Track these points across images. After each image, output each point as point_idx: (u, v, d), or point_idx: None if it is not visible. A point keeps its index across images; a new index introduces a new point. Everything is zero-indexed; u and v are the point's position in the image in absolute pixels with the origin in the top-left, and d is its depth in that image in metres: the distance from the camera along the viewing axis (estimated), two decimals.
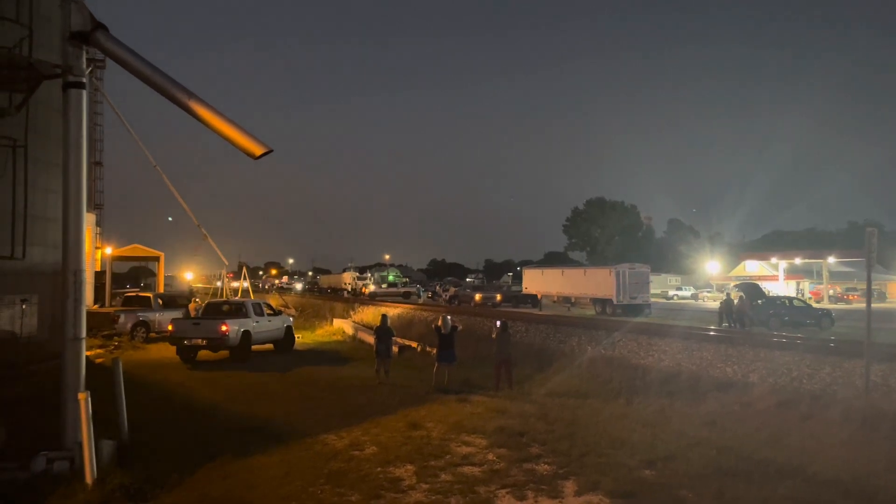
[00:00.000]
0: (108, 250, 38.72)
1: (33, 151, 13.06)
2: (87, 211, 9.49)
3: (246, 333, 20.42)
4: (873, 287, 15.28)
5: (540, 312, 39.23)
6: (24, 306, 12.89)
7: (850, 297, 59.44)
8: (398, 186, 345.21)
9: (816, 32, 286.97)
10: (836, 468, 8.71)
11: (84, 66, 8.99)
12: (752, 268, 72.73)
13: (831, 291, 60.73)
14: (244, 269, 43.79)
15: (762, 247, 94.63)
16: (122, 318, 25.35)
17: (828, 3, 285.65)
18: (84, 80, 8.96)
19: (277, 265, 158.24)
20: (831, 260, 61.35)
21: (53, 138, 12.52)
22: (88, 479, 7.64)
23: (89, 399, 7.95)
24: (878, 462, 8.98)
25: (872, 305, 13.89)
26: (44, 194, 13.53)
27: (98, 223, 34.89)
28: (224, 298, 34.09)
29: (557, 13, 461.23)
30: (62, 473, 8.01)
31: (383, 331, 16.84)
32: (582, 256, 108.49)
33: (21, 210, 12.80)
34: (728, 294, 33.36)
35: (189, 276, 38.88)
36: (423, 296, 68.02)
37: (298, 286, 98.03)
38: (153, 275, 59.66)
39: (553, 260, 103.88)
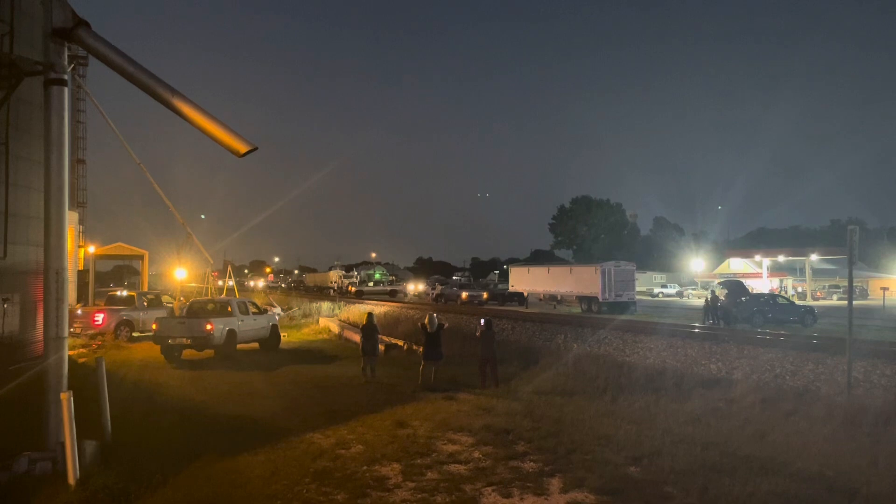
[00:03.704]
0: (91, 249, 38.37)
1: (15, 149, 12.91)
2: (70, 209, 9.39)
3: (231, 332, 20.31)
4: (855, 284, 15.43)
5: (526, 310, 39.34)
6: (5, 305, 12.74)
7: (819, 294, 60.17)
8: (384, 184, 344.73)
9: (800, 33, 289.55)
10: (819, 464, 8.80)
11: (66, 63, 8.89)
12: (736, 265, 73.44)
13: (798, 289, 61.62)
14: (229, 268, 43.53)
15: (746, 244, 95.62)
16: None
17: (811, 4, 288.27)
18: (66, 77, 8.87)
19: (263, 264, 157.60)
20: (814, 257, 62.06)
21: (35, 135, 12.36)
22: (71, 480, 7.58)
23: (72, 399, 7.89)
24: (860, 457, 9.08)
25: (854, 302, 14.03)
26: (26, 192, 13.37)
27: (81, 221, 34.62)
28: (209, 297, 33.86)
29: (543, 10, 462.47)
30: (45, 474, 7.94)
31: (369, 329, 16.81)
32: (568, 254, 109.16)
33: (2, 208, 12.66)
34: (713, 291, 33.60)
35: (182, 273, 38.45)
36: (410, 294, 67.97)
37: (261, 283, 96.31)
38: (137, 273, 59.20)
39: (539, 258, 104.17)
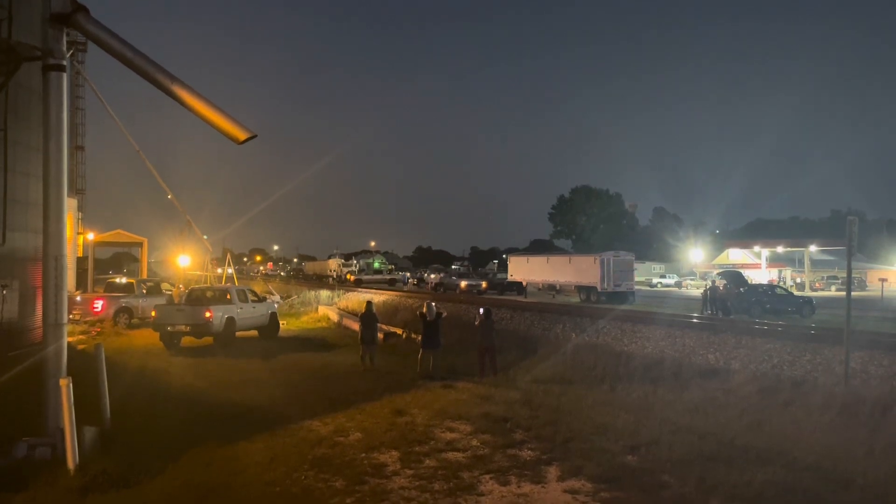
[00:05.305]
0: (91, 236, 38.29)
1: (13, 135, 12.86)
2: (69, 196, 9.36)
3: (230, 320, 20.32)
4: (853, 275, 15.45)
5: (525, 300, 39.32)
6: (4, 292, 12.72)
7: (818, 285, 60.24)
8: (385, 173, 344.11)
9: (802, 24, 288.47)
10: (816, 454, 8.83)
11: (65, 48, 8.85)
12: (735, 256, 73.46)
13: (797, 280, 61.68)
14: (228, 256, 43.52)
15: (745, 235, 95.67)
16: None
17: None
18: (64, 62, 8.82)
19: (263, 252, 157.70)
20: (813, 248, 62.10)
21: (34, 122, 12.33)
22: (70, 466, 7.61)
23: (71, 385, 7.90)
24: (857, 448, 9.11)
25: (852, 293, 14.04)
26: (25, 178, 13.32)
27: (80, 208, 34.53)
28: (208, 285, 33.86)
29: (544, 1, 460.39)
30: (44, 460, 7.97)
31: (368, 317, 16.83)
32: (567, 244, 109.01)
33: (1, 194, 12.63)
34: (712, 282, 33.62)
35: (186, 260, 38.24)
36: (409, 283, 67.95)
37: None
38: (136, 260, 59.14)
39: (538, 247, 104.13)
